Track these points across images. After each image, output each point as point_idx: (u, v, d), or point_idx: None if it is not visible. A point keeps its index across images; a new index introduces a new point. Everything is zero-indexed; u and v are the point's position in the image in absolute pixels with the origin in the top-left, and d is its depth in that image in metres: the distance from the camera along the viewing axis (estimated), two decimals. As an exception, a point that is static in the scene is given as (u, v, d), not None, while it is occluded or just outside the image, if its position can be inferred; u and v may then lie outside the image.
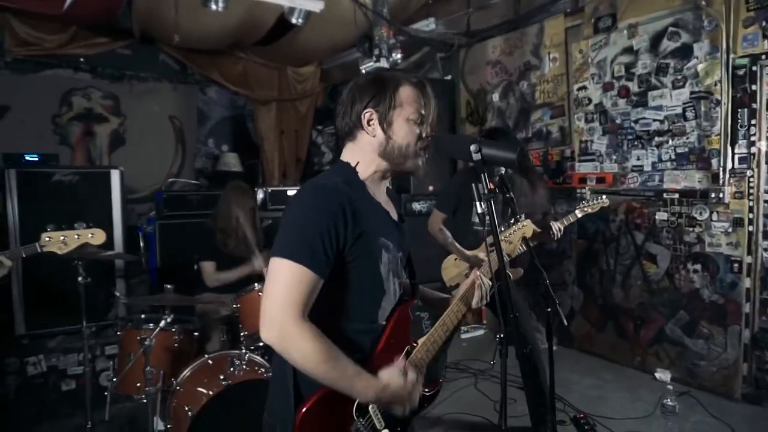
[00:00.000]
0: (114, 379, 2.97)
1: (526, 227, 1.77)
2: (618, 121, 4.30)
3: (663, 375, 4.00)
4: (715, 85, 3.68)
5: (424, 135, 1.49)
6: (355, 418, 1.38)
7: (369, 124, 1.46)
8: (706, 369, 3.85)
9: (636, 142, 4.19)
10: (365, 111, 1.46)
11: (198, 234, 3.64)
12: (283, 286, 1.27)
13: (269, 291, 1.28)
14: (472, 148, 1.43)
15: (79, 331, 3.07)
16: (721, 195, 3.68)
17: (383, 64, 4.89)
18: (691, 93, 3.82)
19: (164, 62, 6.42)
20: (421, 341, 1.54)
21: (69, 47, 5.55)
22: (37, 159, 3.68)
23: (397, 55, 5.11)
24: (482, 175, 1.46)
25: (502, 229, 1.76)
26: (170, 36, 5.47)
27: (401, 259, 1.55)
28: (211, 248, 3.53)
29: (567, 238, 4.77)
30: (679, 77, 3.88)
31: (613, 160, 4.36)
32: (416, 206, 5.10)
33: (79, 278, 2.85)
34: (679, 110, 3.90)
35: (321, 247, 1.29)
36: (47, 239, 2.19)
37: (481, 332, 5.23)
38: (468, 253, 3.18)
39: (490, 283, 1.66)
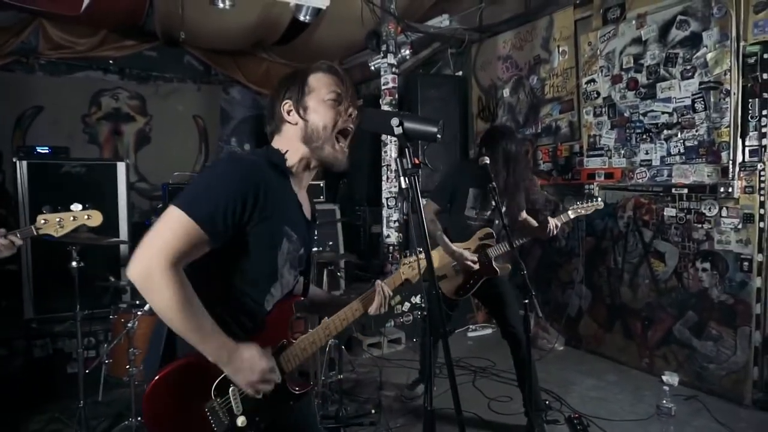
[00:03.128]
0: (107, 362, 3.07)
1: (439, 267, 1.75)
2: (626, 115, 4.13)
3: (670, 378, 3.77)
4: (725, 74, 3.47)
5: (344, 113, 1.48)
6: (213, 396, 1.36)
7: (289, 114, 1.48)
8: (715, 372, 3.64)
9: (644, 136, 4.01)
10: (283, 103, 1.48)
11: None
12: (169, 232, 1.23)
13: (152, 232, 1.24)
14: (393, 121, 1.39)
15: (86, 316, 3.19)
16: (730, 189, 3.46)
17: (391, 60, 4.87)
18: (701, 83, 3.62)
19: (189, 63, 6.62)
20: (299, 338, 1.51)
21: (99, 50, 5.80)
22: (47, 151, 3.84)
23: (406, 52, 5.09)
24: (405, 149, 1.42)
25: (409, 254, 1.74)
26: (192, 37, 5.64)
27: (302, 255, 1.53)
28: None
29: (575, 235, 4.62)
30: (688, 67, 3.69)
31: (622, 155, 4.19)
32: (422, 202, 5.04)
33: (73, 263, 2.94)
34: (688, 102, 3.71)
35: (221, 213, 1.26)
36: (43, 222, 2.14)
37: (488, 331, 5.11)
38: (453, 247, 3.11)
39: (390, 294, 1.64)
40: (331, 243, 5.42)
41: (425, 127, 1.40)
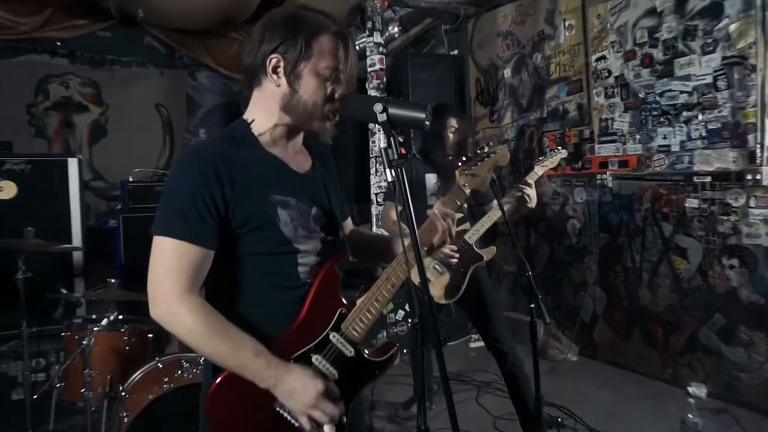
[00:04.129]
0: (58, 386, 3.02)
1: (499, 154, 1.70)
2: (641, 95, 4.15)
3: (697, 389, 3.77)
4: (750, 48, 3.49)
5: (336, 95, 1.45)
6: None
7: (275, 72, 1.42)
8: (747, 382, 3.66)
9: (662, 119, 4.03)
10: (272, 55, 1.41)
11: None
12: (165, 263, 1.32)
13: (152, 269, 1.33)
14: (376, 107, 1.39)
15: (34, 334, 3.15)
16: (758, 177, 3.48)
17: (377, 39, 4.85)
18: (723, 59, 3.64)
19: (149, 45, 6.54)
20: (359, 301, 1.51)
21: (45, 30, 5.68)
22: (-13, 147, 3.79)
23: (394, 29, 5.08)
24: (391, 138, 1.41)
25: (465, 159, 1.72)
26: (152, 14, 5.58)
27: (316, 214, 1.51)
28: None
29: (587, 231, 4.63)
30: (709, 41, 3.70)
31: (637, 140, 4.20)
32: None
33: (19, 274, 2.89)
34: (709, 79, 3.72)
35: (197, 215, 1.32)
36: None
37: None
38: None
39: (454, 216, 1.61)
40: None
41: (412, 113, 1.40)
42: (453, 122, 3.29)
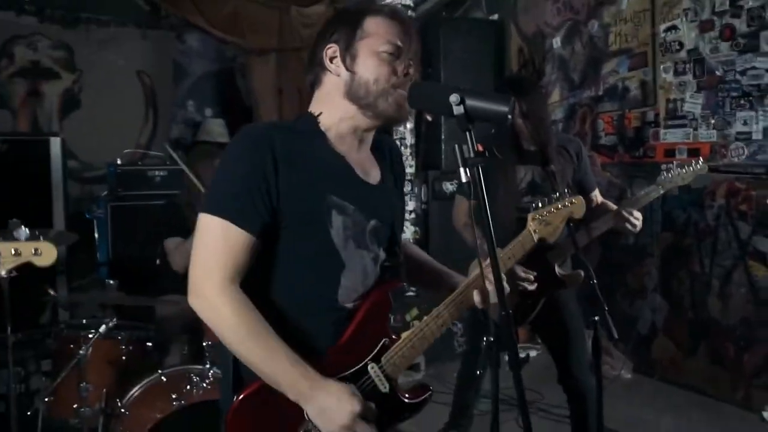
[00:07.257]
0: (46, 400, 3.08)
1: (575, 205, 1.79)
2: (719, 73, 4.18)
3: (773, 415, 3.88)
4: None
5: (400, 72, 1.54)
6: (308, 417, 1.44)
7: (332, 62, 1.56)
8: (833, 408, 3.73)
9: (743, 101, 4.07)
10: (327, 47, 1.55)
11: (162, 218, 3.69)
12: (210, 246, 1.41)
13: (195, 252, 1.42)
14: (452, 98, 1.42)
15: (20, 341, 3.21)
16: None
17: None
18: (818, 33, 3.69)
19: (131, 1, 6.54)
20: (405, 335, 1.60)
21: (9, -18, 5.71)
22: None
23: (423, -14, 5.11)
24: (468, 133, 1.46)
25: (540, 205, 1.80)
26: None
27: (376, 228, 1.60)
28: (178, 227, 3.55)
29: (648, 230, 4.67)
30: (802, 11, 3.75)
31: (711, 126, 4.25)
32: (448, 186, 5.08)
33: (2, 272, 2.93)
34: (800, 57, 3.77)
35: (249, 198, 1.40)
36: None
37: (532, 353, 5.19)
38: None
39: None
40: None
41: (494, 106, 1.43)
42: (516, 105, 2.84)
